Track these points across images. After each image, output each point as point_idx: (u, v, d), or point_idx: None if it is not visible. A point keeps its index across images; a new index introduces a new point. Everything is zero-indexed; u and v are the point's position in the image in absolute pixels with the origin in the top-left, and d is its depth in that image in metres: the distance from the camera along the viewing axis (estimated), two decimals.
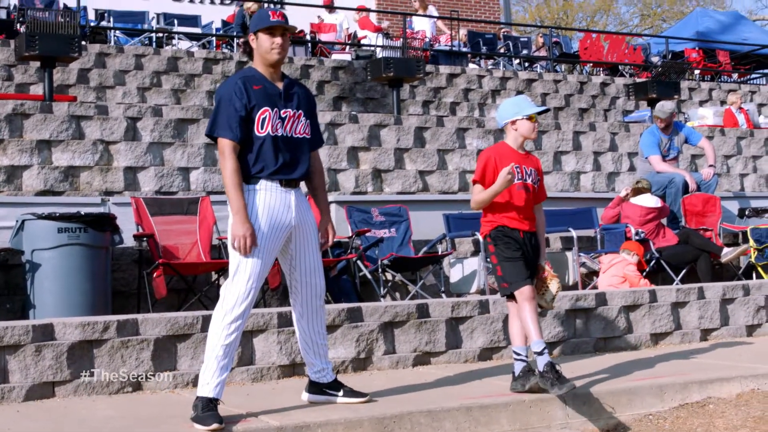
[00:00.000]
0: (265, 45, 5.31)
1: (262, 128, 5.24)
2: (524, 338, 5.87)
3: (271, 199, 5.26)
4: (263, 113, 5.25)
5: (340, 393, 5.53)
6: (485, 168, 5.94)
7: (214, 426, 4.94)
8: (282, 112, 5.31)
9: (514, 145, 6.03)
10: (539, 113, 6.02)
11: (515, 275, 5.83)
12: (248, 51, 5.46)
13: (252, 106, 5.23)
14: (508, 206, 5.91)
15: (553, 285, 6.01)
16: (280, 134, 5.28)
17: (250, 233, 5.12)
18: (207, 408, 5.07)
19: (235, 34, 16.75)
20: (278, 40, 5.30)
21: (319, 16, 18.79)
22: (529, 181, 5.97)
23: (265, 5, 18.44)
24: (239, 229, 5.12)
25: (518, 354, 5.88)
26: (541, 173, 6.14)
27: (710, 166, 11.70)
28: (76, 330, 5.86)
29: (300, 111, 5.41)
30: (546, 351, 5.72)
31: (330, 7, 18.56)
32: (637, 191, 10.59)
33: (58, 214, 7.60)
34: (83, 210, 7.94)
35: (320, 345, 5.54)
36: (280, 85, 5.38)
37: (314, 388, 5.57)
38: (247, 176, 5.23)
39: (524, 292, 5.77)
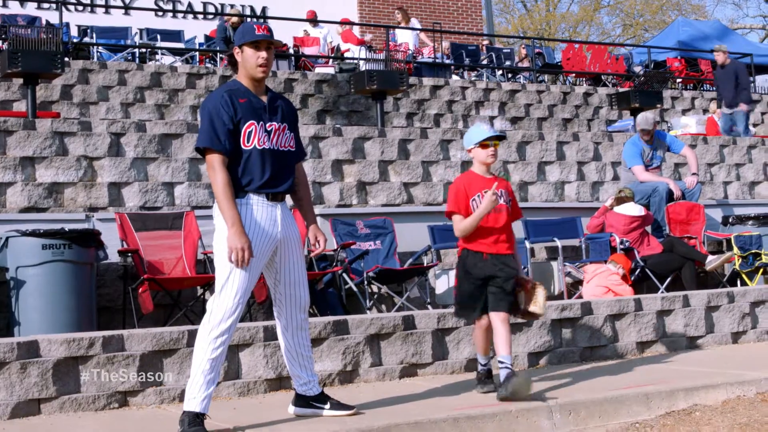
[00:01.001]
0: (250, 59, 5.31)
1: (248, 142, 5.24)
2: (508, 347, 6.00)
3: (258, 213, 5.26)
4: (249, 126, 5.24)
5: (327, 406, 5.52)
6: (457, 197, 6.14)
7: None
8: (267, 125, 5.31)
9: (479, 171, 6.25)
10: (489, 138, 6.14)
11: (467, 303, 6.19)
12: (233, 63, 5.46)
13: (238, 120, 5.22)
14: (482, 230, 6.10)
15: (540, 291, 6.09)
16: (266, 147, 5.28)
17: (248, 246, 5.10)
18: (194, 423, 5.06)
19: (217, 48, 16.75)
20: (263, 54, 5.30)
21: (305, 30, 18.82)
22: (501, 201, 6.15)
23: (249, 19, 18.49)
24: (236, 242, 5.09)
25: (503, 362, 5.98)
26: (512, 193, 6.33)
27: (693, 174, 11.74)
28: (62, 346, 5.84)
29: (284, 124, 5.41)
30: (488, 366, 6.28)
31: (313, 21, 18.61)
32: (620, 200, 10.61)
33: (42, 231, 7.58)
34: (67, 226, 7.91)
35: (305, 357, 5.53)
36: (264, 99, 5.38)
37: (301, 401, 5.56)
38: (234, 190, 5.20)
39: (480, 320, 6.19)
